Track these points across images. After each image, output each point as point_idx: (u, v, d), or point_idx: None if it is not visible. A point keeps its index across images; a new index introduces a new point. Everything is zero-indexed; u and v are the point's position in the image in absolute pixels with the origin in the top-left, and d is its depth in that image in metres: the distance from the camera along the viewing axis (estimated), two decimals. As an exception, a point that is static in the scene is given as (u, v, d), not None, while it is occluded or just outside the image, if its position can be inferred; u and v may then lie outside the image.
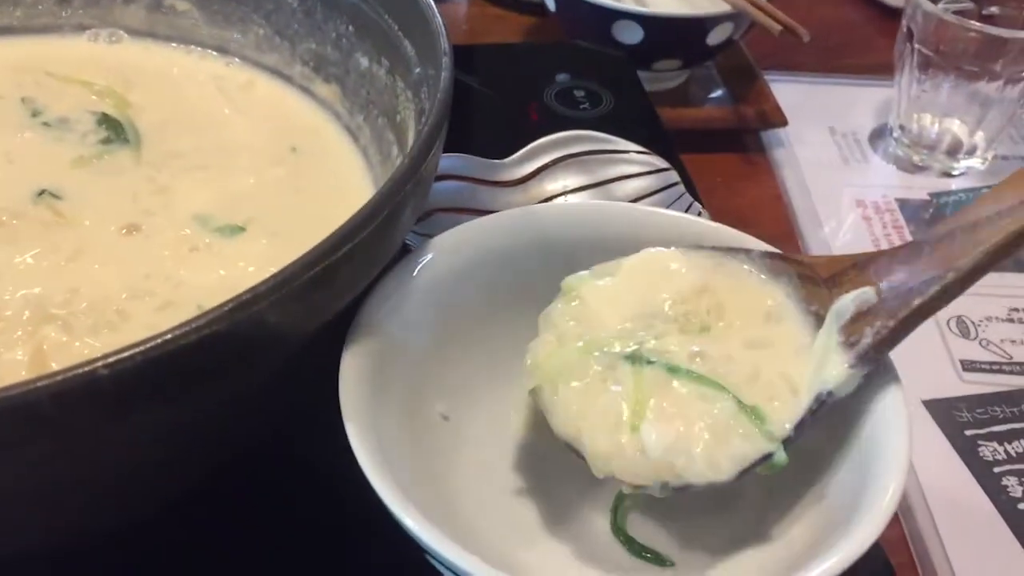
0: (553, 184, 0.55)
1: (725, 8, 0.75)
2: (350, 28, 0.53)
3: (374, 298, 0.38)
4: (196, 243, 0.46)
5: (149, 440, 0.33)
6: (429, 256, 0.41)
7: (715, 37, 0.76)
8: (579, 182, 0.55)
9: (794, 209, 0.75)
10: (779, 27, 0.72)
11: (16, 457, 0.29)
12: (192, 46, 0.58)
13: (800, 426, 0.36)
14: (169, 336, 0.29)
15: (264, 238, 0.47)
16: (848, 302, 0.37)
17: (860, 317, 0.37)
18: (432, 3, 0.47)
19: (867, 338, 0.36)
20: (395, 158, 0.48)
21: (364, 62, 0.52)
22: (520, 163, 0.56)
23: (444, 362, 0.41)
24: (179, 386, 0.31)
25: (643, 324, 0.38)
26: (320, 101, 0.55)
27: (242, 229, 0.47)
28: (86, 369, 0.28)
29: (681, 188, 0.55)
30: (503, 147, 0.58)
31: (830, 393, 0.36)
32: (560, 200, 0.54)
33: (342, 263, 0.33)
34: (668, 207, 0.53)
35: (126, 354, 0.29)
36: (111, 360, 0.28)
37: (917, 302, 0.36)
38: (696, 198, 0.57)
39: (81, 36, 0.58)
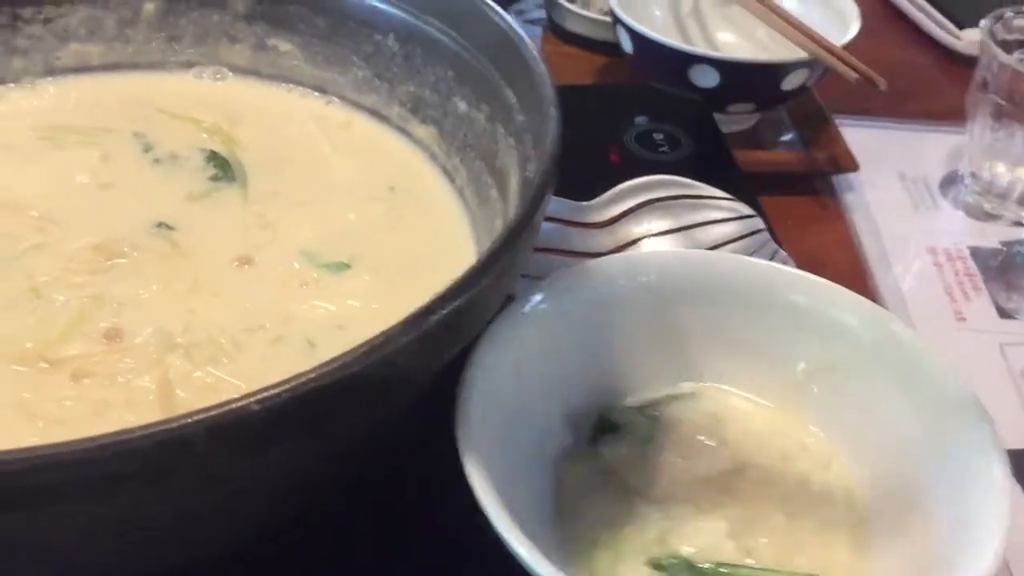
0: (638, 227, 0.56)
1: (800, 54, 0.77)
2: (449, 73, 0.54)
3: (484, 343, 0.39)
4: (304, 278, 0.48)
5: (283, 471, 0.34)
6: (536, 300, 0.42)
7: (790, 83, 0.77)
8: (664, 226, 0.56)
9: (864, 253, 0.76)
10: (856, 75, 0.73)
11: (168, 485, 0.31)
12: (292, 85, 0.61)
13: None
14: (312, 375, 0.31)
15: (367, 274, 0.49)
16: None
17: None
18: (536, 52, 0.48)
19: None
20: (494, 201, 0.50)
21: (463, 106, 0.54)
22: (606, 205, 0.58)
23: (550, 404, 0.42)
24: (317, 422, 0.33)
25: None
26: (416, 141, 0.57)
27: (347, 266, 0.49)
28: (238, 404, 0.30)
29: (766, 235, 0.56)
30: (584, 188, 0.60)
31: None
32: (645, 243, 0.56)
33: (465, 308, 0.35)
34: (752, 253, 0.55)
35: (274, 391, 0.31)
36: (261, 397, 0.30)
37: None
38: (777, 242, 0.58)
39: (188, 73, 0.61)
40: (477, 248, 0.51)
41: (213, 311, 0.45)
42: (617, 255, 0.45)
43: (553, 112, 0.45)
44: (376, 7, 0.56)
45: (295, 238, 0.50)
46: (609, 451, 0.43)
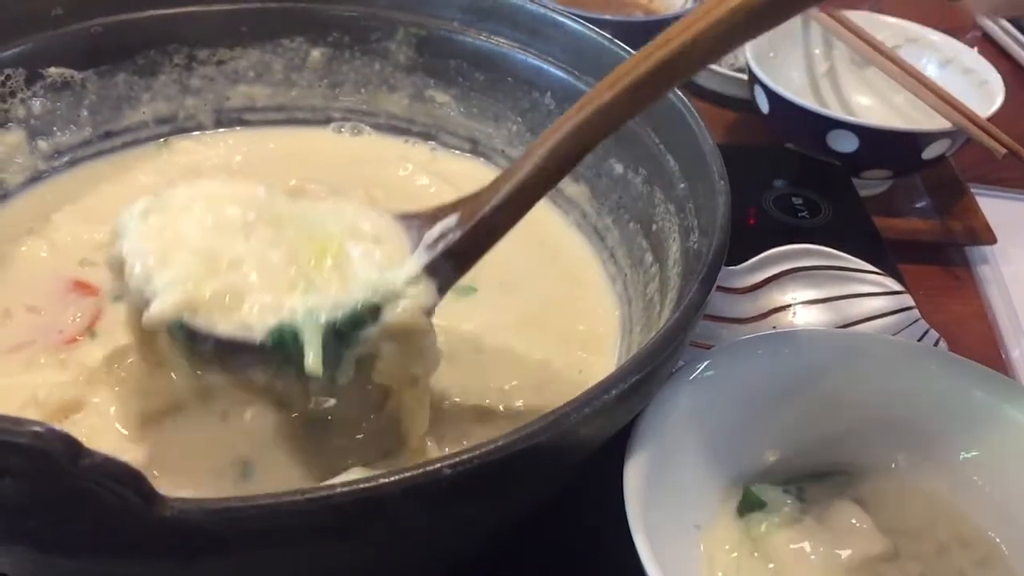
0: (783, 295, 0.57)
1: (943, 123, 0.76)
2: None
3: (651, 412, 0.40)
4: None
5: (460, 525, 0.36)
6: (700, 370, 0.43)
7: (931, 151, 0.76)
8: (810, 296, 0.56)
9: (1000, 329, 0.74)
10: (1003, 150, 0.72)
11: (359, 537, 0.32)
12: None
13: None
14: (501, 443, 0.32)
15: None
16: (435, 228, 0.40)
17: (441, 238, 0.40)
18: (701, 122, 0.49)
19: (439, 248, 0.39)
20: (649, 265, 0.51)
21: (619, 168, 0.55)
22: (751, 272, 0.58)
23: (702, 474, 0.43)
24: (499, 485, 0.34)
25: None
26: (566, 200, 0.58)
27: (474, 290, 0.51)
28: (432, 468, 0.31)
29: (916, 313, 0.55)
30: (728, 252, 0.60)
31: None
32: (791, 311, 0.56)
33: (644, 381, 0.36)
34: (900, 331, 0.54)
35: (465, 457, 0.32)
36: (452, 462, 0.31)
37: (482, 212, 0.39)
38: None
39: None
40: (621, 310, 0.52)
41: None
42: (779, 332, 0.45)
43: (723, 186, 0.45)
44: (538, 66, 0.58)
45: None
46: (757, 528, 0.43)
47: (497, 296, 0.52)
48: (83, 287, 0.50)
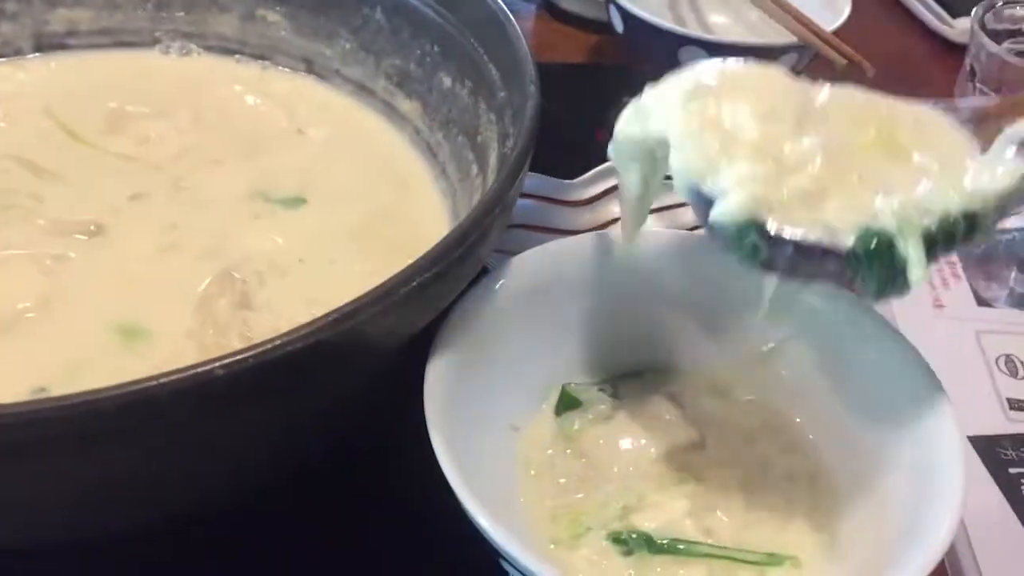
0: (618, 207, 0.57)
1: (791, 39, 0.77)
2: (435, 48, 0.55)
3: (456, 314, 0.40)
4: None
5: (246, 435, 0.35)
6: (507, 277, 0.43)
7: (779, 66, 0.77)
8: (644, 206, 0.57)
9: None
10: (844, 61, 0.73)
11: (133, 443, 0.32)
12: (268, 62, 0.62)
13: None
14: (279, 342, 0.32)
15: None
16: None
17: None
18: (519, 29, 0.49)
19: None
20: (474, 176, 0.50)
21: (447, 81, 0.54)
22: (589, 185, 0.58)
23: (516, 376, 0.43)
24: (282, 388, 0.33)
25: None
26: (401, 117, 0.57)
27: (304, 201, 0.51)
28: (203, 369, 0.31)
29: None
30: (569, 167, 0.60)
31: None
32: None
33: (434, 281, 0.36)
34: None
35: (239, 357, 0.31)
36: (226, 362, 0.31)
37: None
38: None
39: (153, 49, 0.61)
40: (451, 224, 0.52)
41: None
42: (588, 234, 0.45)
43: (533, 90, 0.45)
44: (364, -20, 0.57)
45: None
46: (571, 426, 0.43)
47: (328, 208, 0.51)
48: None
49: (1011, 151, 0.35)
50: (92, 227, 0.48)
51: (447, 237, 0.37)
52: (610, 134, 0.70)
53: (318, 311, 0.33)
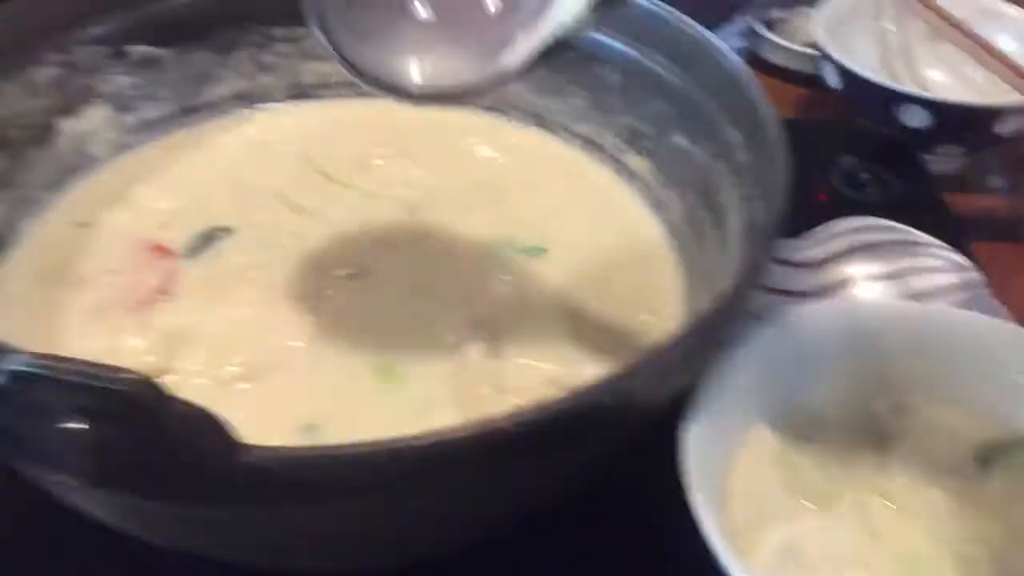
0: (851, 269, 0.56)
1: (1019, 99, 0.74)
2: (670, 109, 0.56)
3: (712, 378, 0.41)
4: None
5: (514, 485, 0.37)
6: (757, 341, 0.43)
7: (1005, 127, 0.75)
8: (876, 270, 0.56)
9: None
10: (1081, 124, 0.70)
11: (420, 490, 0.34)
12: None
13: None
14: (563, 401, 0.33)
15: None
16: None
17: None
18: (762, 93, 0.49)
19: None
20: (710, 238, 0.51)
21: (683, 142, 0.55)
22: (817, 245, 0.58)
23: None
24: (556, 446, 0.35)
25: None
26: (630, 174, 0.59)
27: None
28: (497, 425, 0.32)
29: (985, 290, 0.55)
30: (792, 226, 0.60)
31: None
32: (857, 285, 0.55)
33: (702, 344, 0.37)
34: (970, 307, 0.54)
35: (530, 416, 0.33)
36: (516, 421, 0.33)
37: None
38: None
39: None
40: (685, 281, 0.53)
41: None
42: (836, 301, 0.45)
43: (782, 155, 0.45)
44: (601, 40, 0.58)
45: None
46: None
47: (566, 259, 0.53)
48: (160, 250, 0.53)
49: None
50: (356, 269, 0.51)
51: (718, 301, 0.38)
52: (831, 193, 0.70)
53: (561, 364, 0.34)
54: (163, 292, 0.50)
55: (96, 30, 0.58)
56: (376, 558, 0.42)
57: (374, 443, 0.31)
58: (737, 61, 0.52)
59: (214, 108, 0.63)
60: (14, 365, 0.27)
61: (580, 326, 0.49)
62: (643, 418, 0.38)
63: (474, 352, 0.46)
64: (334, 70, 0.63)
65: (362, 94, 0.64)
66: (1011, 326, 0.49)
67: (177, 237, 0.53)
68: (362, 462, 0.32)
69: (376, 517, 0.35)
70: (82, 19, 0.57)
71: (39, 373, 0.27)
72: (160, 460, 0.30)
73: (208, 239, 0.53)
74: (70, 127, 0.57)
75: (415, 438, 0.32)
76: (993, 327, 0.46)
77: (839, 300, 0.46)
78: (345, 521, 0.36)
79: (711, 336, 0.37)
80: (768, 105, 0.49)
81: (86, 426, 0.28)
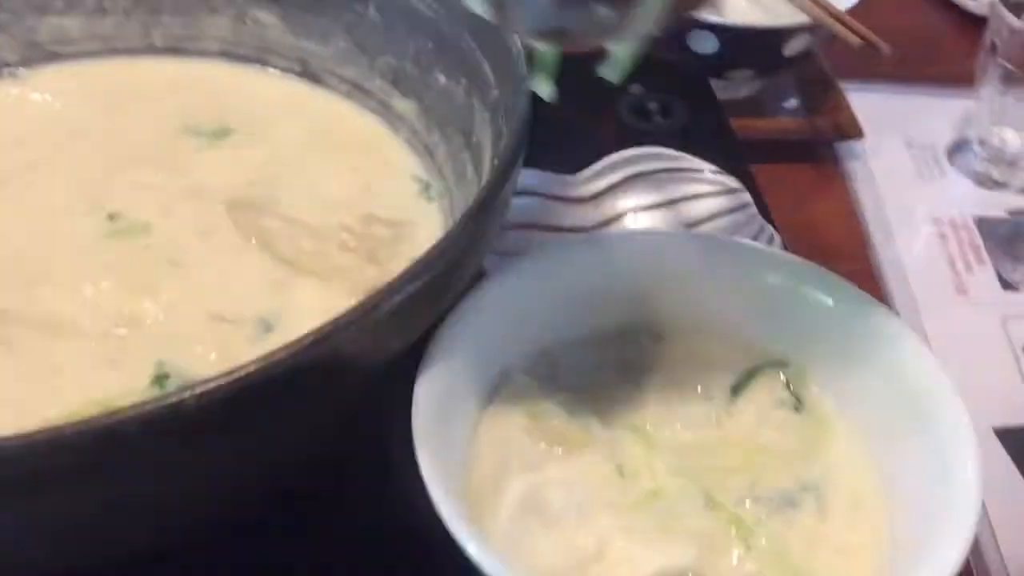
0: (625, 202, 0.55)
1: (803, 19, 0.74)
2: (429, 45, 0.53)
3: (449, 324, 0.39)
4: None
5: (222, 463, 0.34)
6: (504, 282, 0.41)
7: (792, 48, 0.75)
8: (650, 200, 0.55)
9: (867, 224, 0.74)
10: (859, 40, 0.70)
11: (104, 476, 0.31)
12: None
13: None
14: (252, 368, 0.30)
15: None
16: None
17: None
18: (511, 26, 0.47)
19: None
20: (470, 179, 0.49)
21: (442, 79, 0.53)
22: (592, 180, 0.56)
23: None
24: (255, 414, 0.32)
25: None
26: (397, 117, 0.56)
27: None
28: (174, 400, 0.29)
29: (753, 210, 0.54)
30: (575, 159, 0.58)
31: None
32: (630, 218, 0.54)
33: (424, 291, 0.34)
34: (739, 229, 0.53)
35: (212, 385, 0.30)
36: (198, 391, 0.30)
37: None
38: (767, 217, 0.57)
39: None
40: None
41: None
42: (590, 234, 0.44)
43: (525, 87, 0.43)
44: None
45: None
46: None
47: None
48: None
49: None
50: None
51: (436, 245, 0.35)
52: (615, 125, 0.69)
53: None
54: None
55: None
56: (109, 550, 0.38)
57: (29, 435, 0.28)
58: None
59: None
60: None
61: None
62: (370, 374, 0.35)
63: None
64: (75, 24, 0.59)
65: (113, 50, 0.60)
66: (772, 249, 0.49)
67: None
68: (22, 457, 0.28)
69: (67, 510, 0.32)
70: None
71: None
72: None
73: None
74: None
75: (82, 423, 0.28)
76: (755, 251, 0.46)
77: (594, 234, 0.44)
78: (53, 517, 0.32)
79: (437, 282, 0.35)
80: (515, 38, 0.46)
81: None
